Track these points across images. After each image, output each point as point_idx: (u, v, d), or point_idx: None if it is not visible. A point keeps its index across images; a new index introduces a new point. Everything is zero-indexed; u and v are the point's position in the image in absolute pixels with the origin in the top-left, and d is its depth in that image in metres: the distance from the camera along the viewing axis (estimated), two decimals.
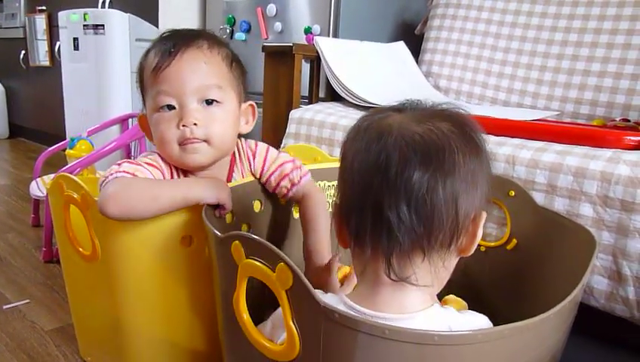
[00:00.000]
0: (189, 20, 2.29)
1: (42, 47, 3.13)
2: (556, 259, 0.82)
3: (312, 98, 1.60)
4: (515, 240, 0.94)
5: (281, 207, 0.98)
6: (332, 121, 1.33)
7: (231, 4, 2.12)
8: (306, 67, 1.56)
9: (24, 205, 2.08)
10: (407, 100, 0.61)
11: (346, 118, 1.32)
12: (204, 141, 0.83)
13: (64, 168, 1.50)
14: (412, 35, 1.92)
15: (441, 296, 0.62)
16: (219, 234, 0.62)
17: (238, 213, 0.87)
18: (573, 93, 1.51)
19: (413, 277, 0.55)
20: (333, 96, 1.56)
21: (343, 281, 0.81)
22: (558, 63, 1.56)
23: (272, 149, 0.96)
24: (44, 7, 3.09)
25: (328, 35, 1.81)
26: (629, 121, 1.31)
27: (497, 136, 1.07)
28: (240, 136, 0.92)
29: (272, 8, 1.96)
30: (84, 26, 2.35)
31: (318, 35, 1.79)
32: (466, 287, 0.80)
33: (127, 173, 0.78)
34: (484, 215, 0.58)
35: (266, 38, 2.00)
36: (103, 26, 2.29)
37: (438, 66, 1.79)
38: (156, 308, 0.85)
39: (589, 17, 1.54)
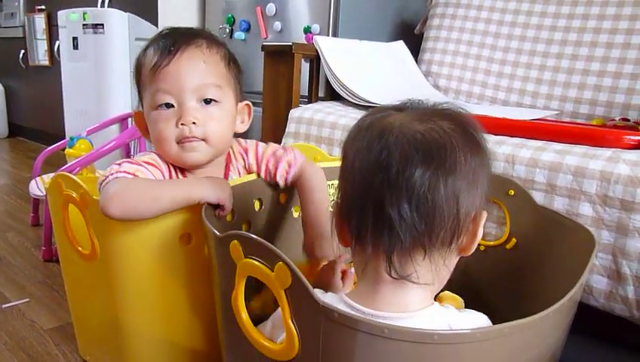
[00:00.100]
0: (189, 19, 2.28)
1: (42, 46, 3.13)
2: (556, 259, 0.82)
3: (311, 97, 1.60)
4: (514, 240, 0.94)
5: (281, 206, 0.98)
6: (331, 120, 1.33)
7: (230, 3, 2.12)
8: (305, 66, 1.56)
9: (23, 204, 2.08)
10: (408, 100, 0.61)
11: (346, 117, 1.32)
12: (203, 140, 0.84)
13: (63, 167, 1.50)
14: (411, 35, 1.92)
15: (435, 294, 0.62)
16: (217, 233, 0.62)
17: (239, 212, 0.87)
18: (573, 92, 1.51)
19: (414, 275, 0.55)
20: (332, 95, 1.56)
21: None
22: (558, 63, 1.56)
23: (260, 142, 0.97)
24: (43, 7, 3.09)
25: (328, 35, 1.81)
26: (628, 120, 1.31)
27: (497, 135, 1.07)
28: (234, 135, 0.93)
29: (271, 7, 1.96)
30: (83, 25, 2.35)
31: (317, 35, 1.79)
32: (465, 286, 0.80)
33: (128, 173, 0.78)
34: (485, 214, 0.58)
35: (266, 38, 2.00)
36: (102, 25, 2.29)
37: (438, 66, 1.79)
38: (155, 307, 0.85)
39: (588, 17, 1.54)
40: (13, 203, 2.13)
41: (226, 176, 0.93)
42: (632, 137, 0.98)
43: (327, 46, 1.52)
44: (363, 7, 1.89)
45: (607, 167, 0.90)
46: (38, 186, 1.61)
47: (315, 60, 1.57)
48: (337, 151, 1.28)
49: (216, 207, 0.79)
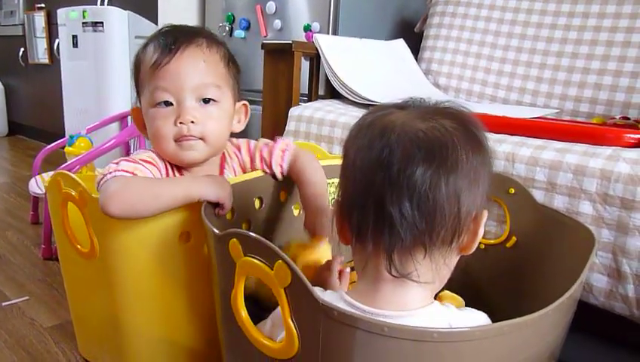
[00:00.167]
0: (189, 18, 2.28)
1: (41, 44, 3.13)
2: (556, 257, 0.82)
3: (311, 95, 1.60)
4: (514, 238, 0.94)
5: (281, 204, 0.98)
6: (331, 118, 1.33)
7: (230, 1, 2.12)
8: (305, 65, 1.56)
9: (23, 203, 2.08)
10: (410, 98, 0.61)
11: (345, 115, 1.32)
12: (200, 138, 0.84)
13: (63, 166, 1.50)
14: (411, 33, 1.92)
15: (436, 293, 0.62)
16: (217, 231, 0.62)
17: (239, 211, 0.87)
18: (573, 90, 1.51)
19: (414, 273, 0.55)
20: (332, 93, 1.56)
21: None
22: (558, 61, 1.56)
23: (251, 140, 0.98)
24: (43, 5, 3.08)
25: (328, 33, 1.80)
26: (628, 118, 1.30)
27: (497, 133, 1.07)
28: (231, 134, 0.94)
29: (271, 6, 1.95)
30: (83, 23, 2.35)
31: (317, 33, 1.79)
32: (465, 285, 0.80)
33: (127, 171, 0.78)
34: (486, 213, 0.58)
35: (266, 36, 1.99)
36: (102, 23, 2.29)
37: (438, 64, 1.78)
38: (154, 305, 0.85)
39: (588, 15, 1.53)
40: (12, 201, 2.13)
41: (221, 174, 0.93)
42: (633, 136, 0.98)
43: (327, 44, 1.52)
44: (363, 6, 1.88)
45: (608, 166, 0.89)
46: (37, 184, 1.61)
47: (315, 58, 1.56)
48: (337, 150, 1.28)
49: (216, 205, 0.79)
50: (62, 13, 2.48)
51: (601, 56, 1.48)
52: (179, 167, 0.89)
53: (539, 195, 0.95)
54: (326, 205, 0.88)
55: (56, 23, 2.55)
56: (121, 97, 2.32)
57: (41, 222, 1.74)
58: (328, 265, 0.82)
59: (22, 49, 3.28)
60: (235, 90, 0.90)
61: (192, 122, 0.83)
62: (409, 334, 0.47)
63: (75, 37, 2.41)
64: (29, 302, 1.27)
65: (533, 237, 0.90)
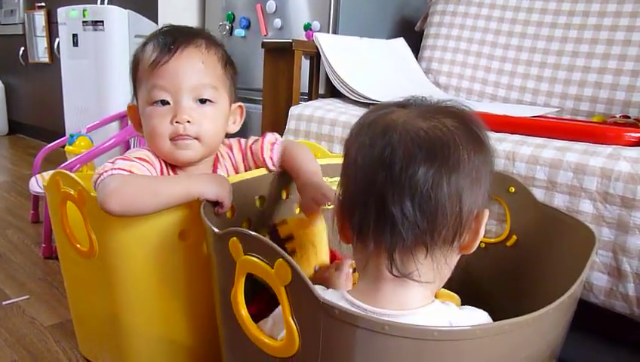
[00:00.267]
0: (189, 17, 2.28)
1: (41, 43, 3.12)
2: (556, 256, 0.82)
3: (311, 94, 1.60)
4: (515, 237, 0.93)
5: (282, 202, 0.98)
6: (331, 117, 1.33)
7: (230, 0, 2.11)
8: (305, 63, 1.55)
9: (23, 201, 2.08)
10: (411, 96, 0.61)
11: (346, 114, 1.32)
12: (196, 138, 0.85)
13: (63, 164, 1.50)
14: (412, 32, 1.92)
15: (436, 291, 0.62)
16: (216, 230, 0.62)
17: (239, 209, 0.87)
18: (573, 89, 1.51)
19: (415, 273, 0.55)
20: (332, 92, 1.56)
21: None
22: (558, 60, 1.56)
23: (241, 138, 1.00)
24: (43, 4, 3.08)
25: (328, 32, 1.80)
26: (629, 117, 1.30)
27: (497, 132, 1.07)
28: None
29: (271, 5, 1.95)
30: (83, 22, 2.34)
31: (317, 32, 1.79)
32: (466, 283, 0.80)
33: (124, 170, 0.79)
34: (487, 213, 0.58)
35: (266, 35, 1.99)
36: (102, 22, 2.28)
37: (438, 63, 1.78)
38: (154, 304, 0.85)
39: (588, 14, 1.53)
40: (13, 200, 2.13)
41: (214, 173, 0.94)
42: (633, 134, 0.98)
43: (328, 43, 1.52)
44: (363, 4, 1.88)
45: (608, 164, 0.89)
46: (38, 183, 1.61)
47: (315, 57, 1.56)
48: (338, 148, 1.28)
49: (215, 203, 0.79)
50: (62, 12, 2.47)
51: (602, 54, 1.48)
52: (173, 166, 0.90)
53: (539, 194, 0.95)
54: (321, 181, 0.89)
55: (57, 22, 2.55)
56: (121, 96, 2.31)
57: (42, 221, 1.74)
58: (336, 265, 0.82)
59: (22, 48, 3.28)
60: (232, 92, 0.92)
61: (189, 122, 0.84)
62: (409, 333, 0.47)
63: (75, 36, 2.40)
64: (30, 301, 1.27)
65: (533, 235, 0.90)
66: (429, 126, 0.54)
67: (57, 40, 2.75)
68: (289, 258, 0.50)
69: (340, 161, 0.62)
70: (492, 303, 0.67)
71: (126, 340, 0.88)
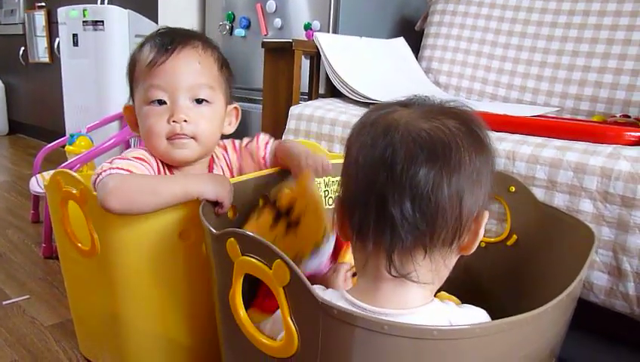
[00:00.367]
0: (189, 16, 2.28)
1: (41, 43, 3.12)
2: (556, 255, 0.82)
3: (311, 94, 1.60)
4: (515, 236, 0.93)
5: None
6: (331, 116, 1.33)
7: (230, 0, 2.11)
8: (305, 63, 1.55)
9: (24, 201, 2.08)
10: (414, 96, 0.61)
11: (346, 113, 1.32)
12: (192, 137, 0.86)
13: (64, 164, 1.50)
14: (412, 31, 1.92)
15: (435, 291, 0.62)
16: (214, 231, 0.62)
17: (242, 209, 0.87)
18: (573, 89, 1.51)
19: (414, 274, 0.55)
20: (332, 92, 1.56)
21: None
22: (558, 59, 1.55)
23: (235, 139, 1.01)
24: (43, 4, 3.08)
25: (328, 31, 1.80)
26: (629, 117, 1.30)
27: (497, 132, 1.07)
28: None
29: (271, 4, 1.95)
30: (83, 22, 2.34)
31: (317, 31, 1.79)
32: (466, 283, 0.80)
33: (122, 169, 0.79)
34: (487, 214, 0.58)
35: (266, 35, 1.99)
36: (102, 22, 2.28)
37: (438, 62, 1.78)
38: (154, 303, 0.85)
39: (589, 13, 1.53)
40: (13, 200, 2.13)
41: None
42: (633, 134, 0.98)
43: (328, 43, 1.52)
44: (363, 4, 1.88)
45: (608, 164, 0.89)
46: (38, 183, 1.61)
47: (316, 57, 1.56)
48: (338, 148, 1.28)
49: (215, 203, 0.79)
50: (62, 12, 2.47)
51: (602, 54, 1.48)
52: (170, 166, 0.91)
53: (539, 193, 0.95)
54: (305, 149, 0.91)
55: (57, 22, 2.54)
56: (121, 96, 2.31)
57: (42, 220, 1.74)
58: (334, 268, 0.82)
59: (22, 48, 3.28)
60: (227, 93, 0.93)
61: (185, 121, 0.85)
62: (409, 332, 0.47)
63: (75, 36, 2.40)
64: (30, 301, 1.27)
65: (533, 235, 0.90)
66: (430, 127, 0.54)
67: (57, 40, 2.75)
68: (287, 258, 0.50)
69: (340, 160, 0.62)
70: (492, 302, 0.67)
71: (126, 340, 0.88)
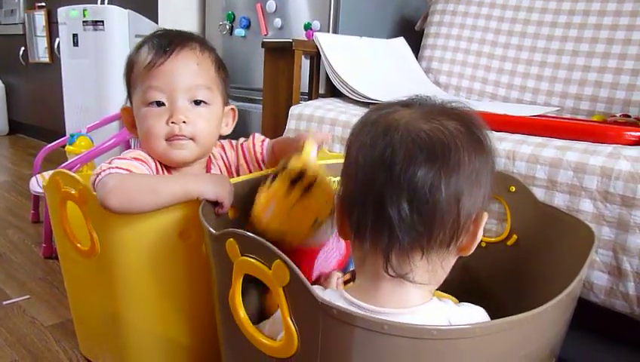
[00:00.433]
0: (189, 16, 2.27)
1: (42, 43, 3.12)
2: (556, 255, 0.82)
3: (311, 94, 1.60)
4: (515, 236, 0.93)
5: None
6: (331, 116, 1.33)
7: (230, 0, 2.11)
8: (305, 63, 1.55)
9: (24, 201, 2.08)
10: (415, 96, 0.61)
11: (346, 113, 1.32)
12: (191, 138, 0.87)
13: (64, 164, 1.50)
14: (412, 31, 1.91)
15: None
16: (213, 231, 0.62)
17: (243, 209, 0.87)
18: (573, 88, 1.51)
19: (410, 274, 0.55)
20: (332, 92, 1.56)
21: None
22: (558, 59, 1.55)
23: (231, 140, 1.03)
24: (43, 4, 3.08)
25: (328, 31, 1.80)
26: (629, 116, 1.30)
27: (497, 131, 1.07)
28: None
29: (271, 4, 1.95)
30: (83, 22, 2.34)
31: (317, 31, 1.79)
32: (466, 283, 0.80)
33: (122, 169, 0.79)
34: (486, 215, 0.58)
35: (266, 34, 1.99)
36: (102, 22, 2.29)
37: (438, 62, 1.78)
38: (154, 303, 0.85)
39: (589, 13, 1.53)
40: (13, 200, 2.13)
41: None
42: (633, 133, 0.97)
43: (328, 42, 1.52)
44: (363, 4, 1.88)
45: (608, 163, 0.89)
46: (38, 183, 1.61)
47: (316, 57, 1.56)
48: (338, 148, 1.28)
49: (215, 204, 0.79)
50: (62, 12, 2.47)
51: (602, 53, 1.47)
52: (168, 167, 0.91)
53: (539, 193, 0.95)
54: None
55: (57, 22, 2.55)
56: (121, 96, 2.30)
57: (42, 220, 1.74)
58: (325, 277, 0.83)
59: (22, 48, 3.28)
60: (225, 94, 0.94)
61: (184, 122, 0.85)
62: (408, 332, 0.47)
63: (75, 36, 2.41)
64: (30, 301, 1.27)
65: (533, 235, 0.90)
66: (430, 127, 0.54)
67: (57, 40, 2.75)
68: (287, 259, 0.50)
69: (340, 160, 0.62)
70: (492, 302, 0.67)
71: (126, 340, 0.88)
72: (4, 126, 3.66)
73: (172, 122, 0.85)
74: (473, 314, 0.60)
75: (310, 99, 1.56)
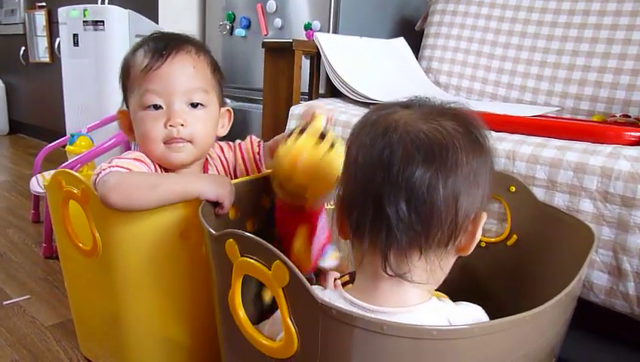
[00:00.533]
0: (189, 17, 2.28)
1: (42, 43, 3.13)
2: (556, 255, 0.82)
3: (311, 94, 1.60)
4: (515, 236, 0.93)
5: None
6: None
7: (231, 0, 2.11)
8: (306, 63, 1.56)
9: (24, 201, 2.08)
10: (415, 97, 0.61)
11: (346, 113, 1.32)
12: (189, 141, 0.87)
13: (64, 164, 1.50)
14: (412, 31, 1.92)
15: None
16: (213, 231, 0.62)
17: (244, 209, 0.87)
18: (573, 88, 1.51)
19: (408, 274, 0.55)
20: (333, 92, 1.56)
21: None
22: (558, 59, 1.56)
23: (229, 141, 1.04)
24: (43, 4, 3.08)
25: (328, 31, 1.80)
26: (629, 116, 1.30)
27: (497, 131, 1.07)
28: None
29: (271, 4, 1.95)
30: (83, 22, 2.34)
31: (318, 31, 1.79)
32: (466, 282, 0.80)
33: (122, 167, 0.80)
34: (485, 215, 0.59)
35: (266, 35, 1.99)
36: (102, 22, 2.28)
37: (438, 62, 1.78)
38: (155, 303, 0.85)
39: (589, 12, 1.53)
40: (13, 199, 2.13)
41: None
42: (633, 133, 0.98)
43: (328, 43, 1.52)
44: (364, 4, 1.88)
45: (608, 163, 0.89)
46: (38, 183, 1.61)
47: (316, 57, 1.56)
48: None
49: (216, 204, 0.79)
50: (62, 12, 2.47)
51: (602, 53, 1.48)
52: (166, 169, 0.91)
53: (539, 193, 0.95)
54: None
55: (57, 22, 2.55)
56: (121, 96, 2.32)
57: (42, 220, 1.74)
58: (324, 276, 0.83)
59: (23, 48, 3.28)
60: (220, 96, 0.94)
61: (182, 125, 0.86)
62: (408, 332, 0.47)
63: (75, 35, 2.40)
64: (30, 301, 1.27)
65: (533, 235, 0.90)
66: (429, 128, 0.55)
67: (58, 40, 2.75)
68: (286, 259, 0.50)
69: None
70: (492, 302, 0.67)
71: (127, 340, 0.88)
72: (4, 126, 3.66)
73: (170, 125, 0.85)
74: (471, 313, 0.60)
75: (310, 99, 1.56)
